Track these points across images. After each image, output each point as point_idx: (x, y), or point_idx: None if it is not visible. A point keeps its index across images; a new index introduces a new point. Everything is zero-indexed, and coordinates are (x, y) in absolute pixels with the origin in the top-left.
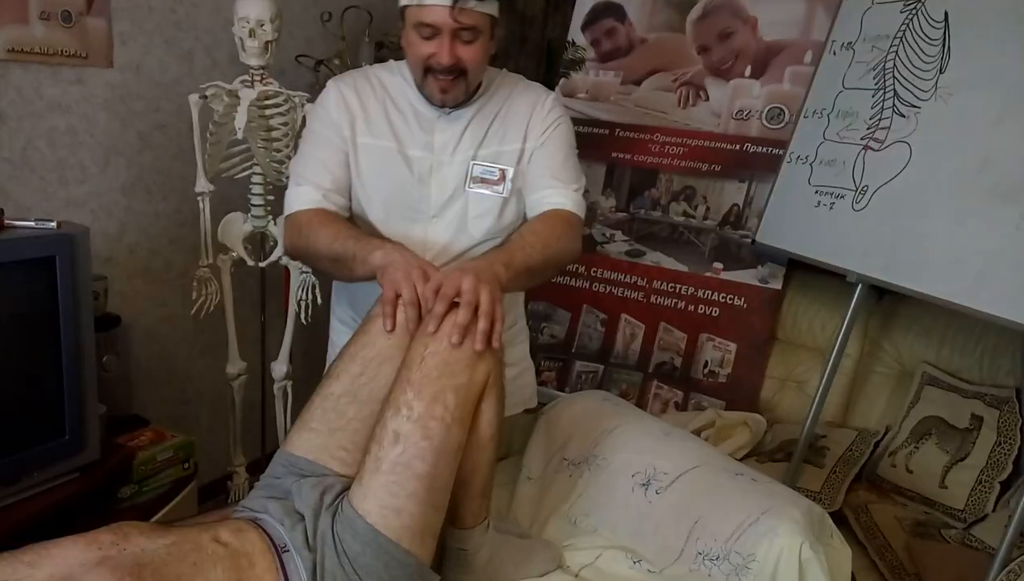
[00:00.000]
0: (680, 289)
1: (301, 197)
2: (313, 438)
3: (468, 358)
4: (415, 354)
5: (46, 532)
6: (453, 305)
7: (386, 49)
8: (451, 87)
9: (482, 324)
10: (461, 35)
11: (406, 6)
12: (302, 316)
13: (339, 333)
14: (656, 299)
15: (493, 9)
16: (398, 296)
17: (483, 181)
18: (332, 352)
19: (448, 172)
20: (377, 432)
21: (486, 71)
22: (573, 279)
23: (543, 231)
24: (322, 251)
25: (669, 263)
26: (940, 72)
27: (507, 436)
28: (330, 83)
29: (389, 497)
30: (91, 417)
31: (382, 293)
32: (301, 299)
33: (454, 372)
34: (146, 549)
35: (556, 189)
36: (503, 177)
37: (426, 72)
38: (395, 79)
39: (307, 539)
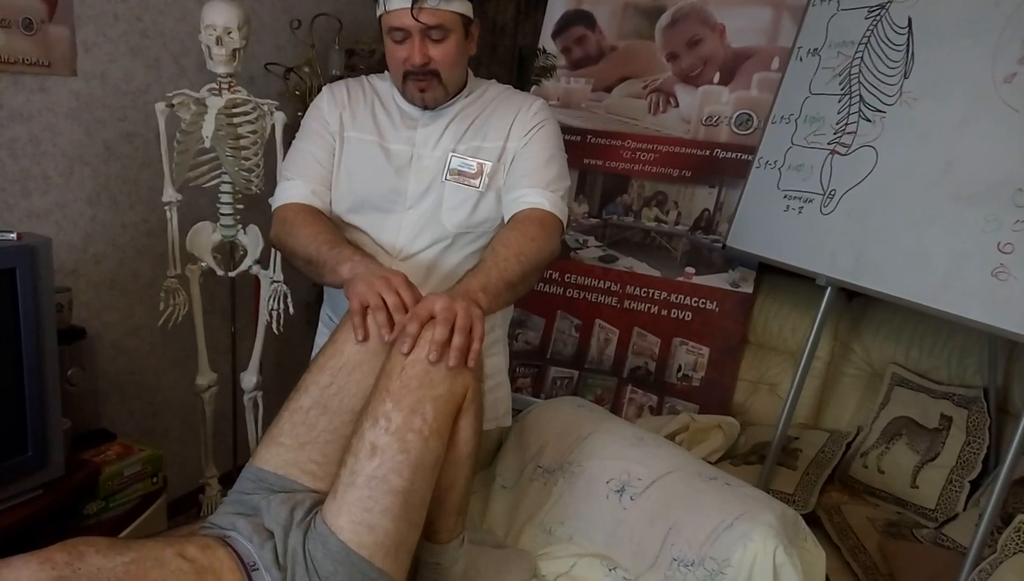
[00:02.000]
0: (653, 294)
1: (289, 191)
2: (283, 453)
3: (448, 369)
4: (395, 363)
5: (8, 551)
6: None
7: (356, 56)
8: (428, 87)
9: (457, 340)
10: (430, 34)
11: (380, 15)
12: (274, 326)
13: (322, 335)
14: (629, 304)
15: (461, 7)
16: (365, 307)
17: (460, 173)
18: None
19: (427, 164)
20: (354, 444)
21: (475, 79)
22: (547, 285)
23: (514, 240)
24: (299, 251)
25: (642, 268)
26: (904, 77)
27: (481, 452)
28: (325, 87)
29: (363, 512)
30: (55, 432)
31: (349, 305)
32: (272, 309)
33: (434, 383)
34: (102, 568)
35: (533, 189)
36: (480, 171)
37: (405, 77)
38: (385, 84)
39: (277, 557)
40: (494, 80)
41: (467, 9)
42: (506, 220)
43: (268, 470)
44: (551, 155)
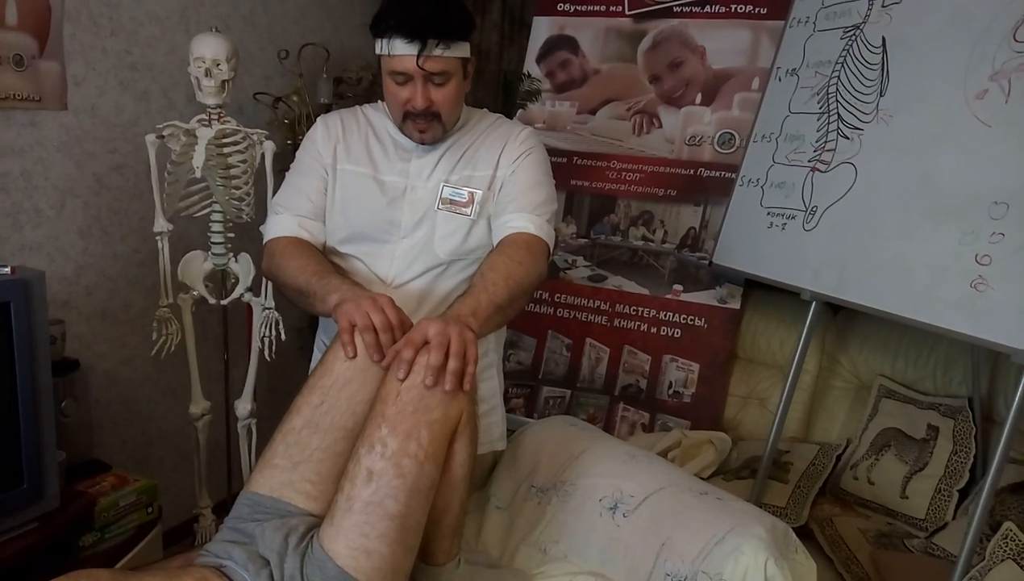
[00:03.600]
0: (642, 312)
1: (278, 225)
2: (277, 475)
3: (443, 394)
4: (390, 389)
5: None
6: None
7: (344, 85)
8: (428, 128)
9: (452, 364)
10: (433, 79)
11: (381, 55)
12: (266, 353)
13: (316, 362)
14: (619, 322)
15: (462, 52)
16: (353, 326)
17: (452, 203)
18: None
19: (420, 195)
20: (350, 469)
21: (468, 109)
22: (538, 306)
23: (501, 264)
24: (289, 282)
25: (631, 287)
26: (880, 95)
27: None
28: (319, 119)
29: (360, 538)
30: (50, 464)
31: (338, 326)
32: (265, 336)
33: (429, 407)
34: None
35: (519, 214)
36: (472, 200)
37: (405, 116)
38: (379, 115)
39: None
40: (486, 109)
41: (467, 52)
42: (495, 244)
43: (263, 494)
44: (537, 180)
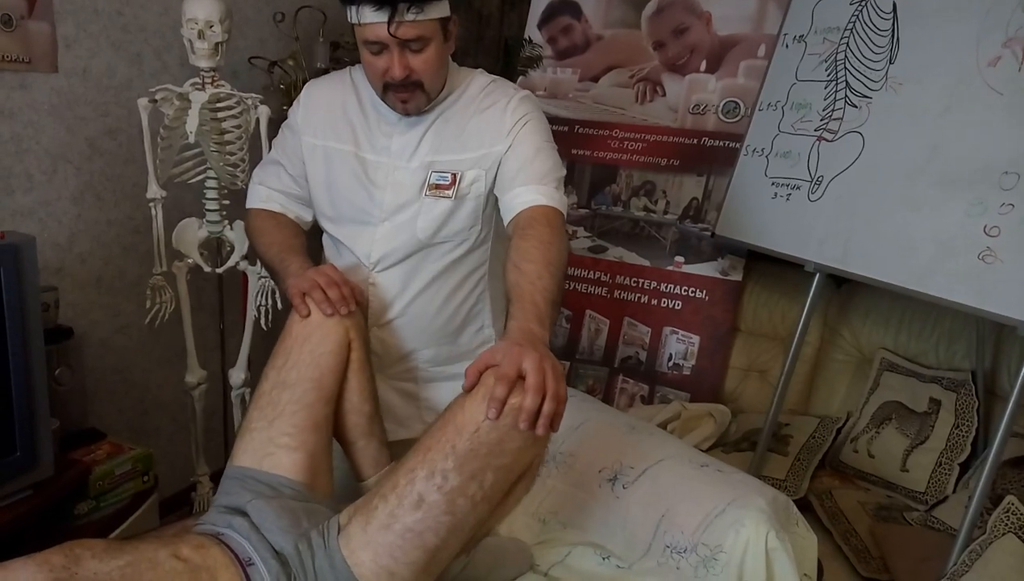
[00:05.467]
0: (643, 283)
1: (253, 195)
2: (256, 437)
3: (523, 440)
4: (468, 419)
5: (0, 553)
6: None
7: (342, 49)
8: (411, 97)
9: (549, 407)
10: (409, 46)
11: (352, 25)
12: (262, 322)
13: None
14: (620, 294)
15: (438, 12)
16: (303, 293)
17: (437, 187)
18: None
19: (403, 177)
20: (400, 483)
21: (458, 71)
22: None
23: (535, 253)
24: (261, 256)
25: (631, 258)
26: (890, 63)
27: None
28: (307, 85)
29: (389, 559)
30: (43, 432)
31: (291, 301)
32: (260, 304)
33: (504, 451)
34: (99, 572)
35: (528, 186)
36: (454, 181)
37: (385, 88)
38: (367, 80)
39: (273, 548)
40: (480, 70)
41: (445, 11)
42: (506, 222)
43: (247, 466)
44: (538, 148)
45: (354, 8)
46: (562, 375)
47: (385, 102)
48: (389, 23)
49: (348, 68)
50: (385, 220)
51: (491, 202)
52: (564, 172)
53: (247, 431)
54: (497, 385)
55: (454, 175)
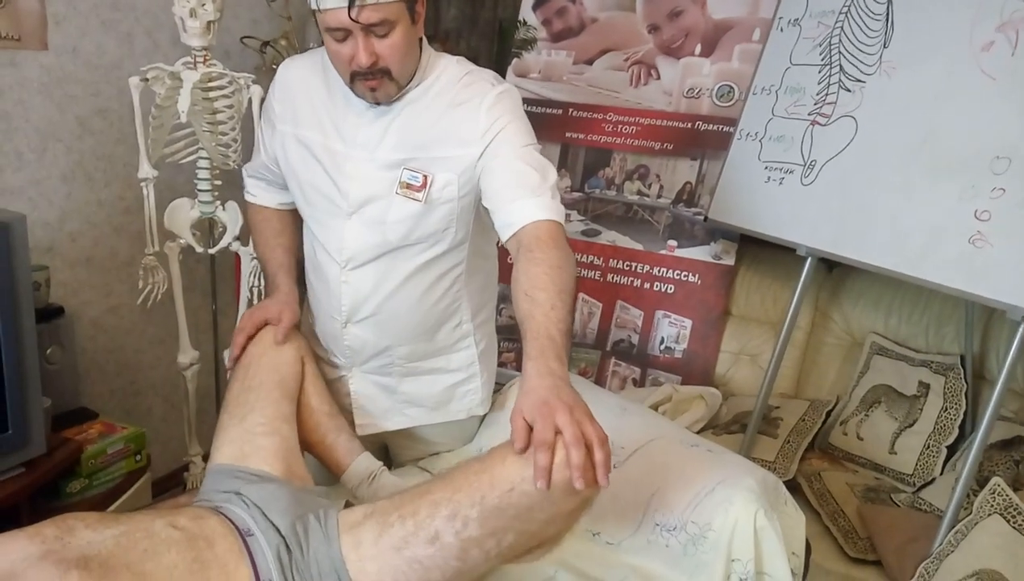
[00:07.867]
0: (636, 267)
1: (248, 188)
2: (231, 434)
3: (556, 509)
4: (506, 476)
5: None
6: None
7: None
8: (379, 85)
9: (600, 455)
10: (374, 31)
11: (313, 11)
12: (255, 302)
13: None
14: (612, 278)
15: None
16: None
17: (408, 186)
18: None
19: (367, 169)
20: (422, 512)
21: (432, 57)
22: None
23: (546, 279)
24: (256, 252)
25: (624, 242)
26: (884, 47)
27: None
28: (282, 65)
29: (391, 579)
30: (35, 411)
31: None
32: (253, 285)
33: (531, 519)
34: (92, 541)
35: (525, 201)
36: (425, 183)
37: (353, 77)
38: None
39: (274, 525)
40: (459, 57)
41: None
42: (504, 239)
43: (226, 463)
44: (523, 155)
45: None
46: (592, 416)
47: (354, 92)
48: (350, 8)
49: (322, 48)
50: (353, 213)
51: (467, 205)
52: (554, 171)
53: (221, 430)
54: (538, 453)
55: (425, 177)
